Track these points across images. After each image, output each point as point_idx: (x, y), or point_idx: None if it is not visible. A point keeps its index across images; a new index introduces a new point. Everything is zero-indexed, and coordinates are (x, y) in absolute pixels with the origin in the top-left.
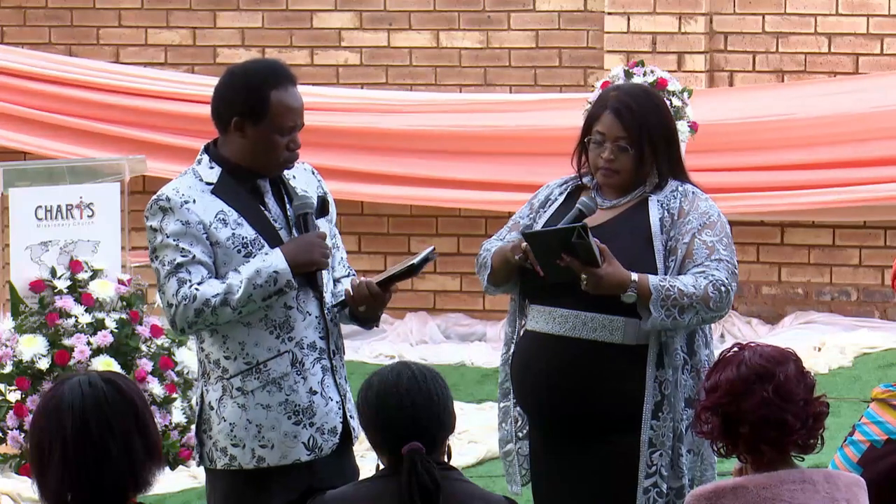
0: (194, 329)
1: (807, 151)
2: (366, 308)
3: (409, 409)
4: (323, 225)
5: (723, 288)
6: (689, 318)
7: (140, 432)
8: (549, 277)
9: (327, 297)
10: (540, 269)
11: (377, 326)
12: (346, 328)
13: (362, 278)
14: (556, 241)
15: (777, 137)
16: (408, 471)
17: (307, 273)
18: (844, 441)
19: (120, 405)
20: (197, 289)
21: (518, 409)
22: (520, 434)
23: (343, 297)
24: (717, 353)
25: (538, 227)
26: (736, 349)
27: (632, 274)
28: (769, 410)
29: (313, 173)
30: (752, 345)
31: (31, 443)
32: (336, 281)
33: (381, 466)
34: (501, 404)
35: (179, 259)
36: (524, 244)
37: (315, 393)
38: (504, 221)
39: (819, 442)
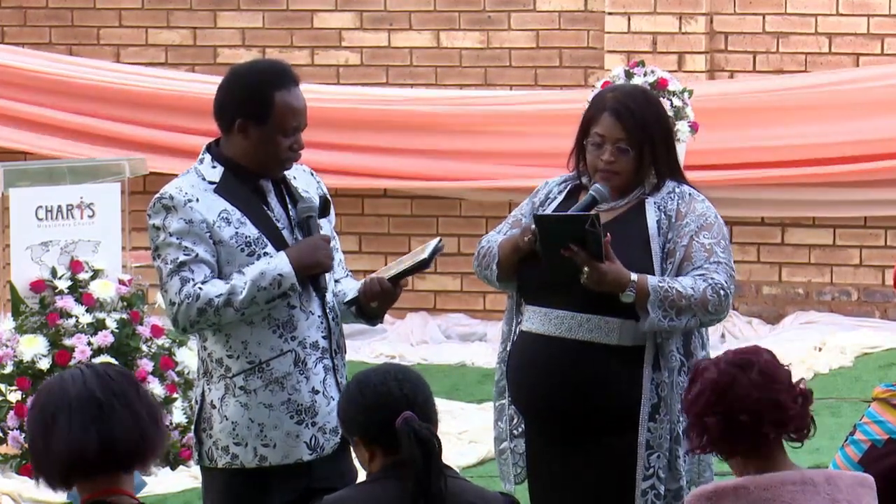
0: (196, 328)
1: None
2: (377, 304)
3: (394, 381)
4: (324, 225)
5: (721, 291)
6: (687, 320)
7: (142, 401)
8: (548, 268)
9: (328, 297)
10: (542, 257)
11: (381, 322)
12: (347, 328)
13: (373, 275)
14: (568, 227)
15: (780, 115)
16: (407, 435)
17: (311, 275)
18: (845, 441)
19: (119, 378)
20: (200, 288)
21: (513, 406)
22: (515, 432)
23: (356, 295)
24: (714, 354)
25: None
26: (704, 361)
27: (632, 274)
28: (761, 392)
29: (312, 174)
30: (720, 354)
31: (32, 423)
32: (335, 281)
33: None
34: (497, 402)
35: (182, 257)
36: (533, 227)
37: (317, 392)
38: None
39: (813, 425)
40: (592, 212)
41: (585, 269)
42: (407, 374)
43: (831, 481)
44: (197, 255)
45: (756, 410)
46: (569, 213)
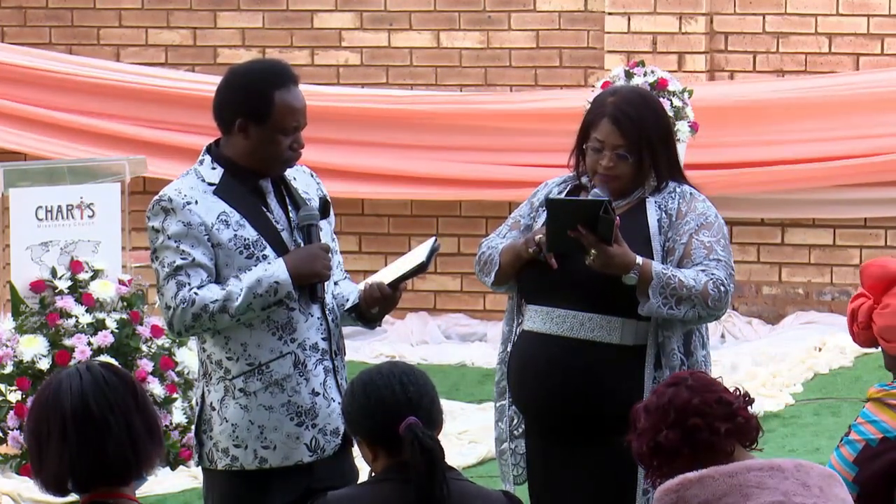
0: (191, 333)
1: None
2: (378, 309)
3: (399, 385)
4: (323, 227)
5: (722, 287)
6: (686, 310)
7: (139, 411)
8: (552, 248)
9: (328, 299)
10: (545, 238)
11: (380, 326)
12: (347, 328)
13: (372, 280)
14: (580, 212)
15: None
16: (410, 442)
17: (308, 284)
18: (840, 441)
19: (118, 385)
20: (196, 293)
21: (514, 407)
22: (515, 433)
23: (357, 302)
24: (714, 354)
25: (537, 226)
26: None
27: (637, 257)
28: (702, 394)
29: (312, 175)
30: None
31: (28, 431)
32: (335, 283)
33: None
34: (497, 403)
35: (179, 261)
36: (538, 237)
37: (317, 394)
38: (504, 221)
39: (760, 427)
40: (606, 198)
41: (592, 251)
42: (411, 376)
43: (801, 468)
44: (194, 259)
45: (703, 411)
46: (583, 199)
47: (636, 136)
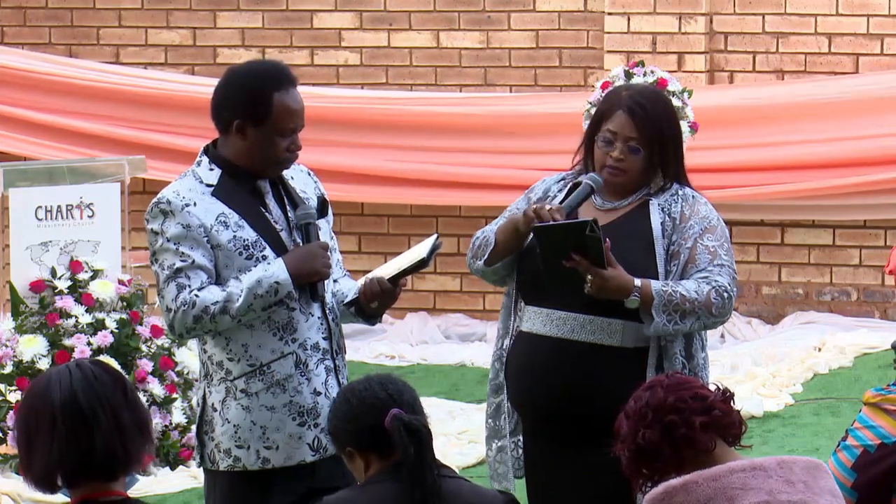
0: (192, 335)
1: (808, 132)
2: (377, 304)
3: (378, 385)
4: (322, 225)
5: (725, 294)
6: (691, 323)
7: (129, 407)
8: (551, 280)
9: (328, 298)
10: (543, 270)
11: (380, 322)
12: (347, 328)
13: (371, 274)
14: (568, 236)
15: (779, 119)
16: (397, 430)
17: (309, 283)
18: (838, 446)
19: (108, 381)
20: (196, 295)
21: (510, 404)
22: (512, 429)
23: (356, 296)
24: (714, 354)
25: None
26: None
27: (635, 279)
28: (677, 392)
29: (309, 174)
30: None
31: (17, 427)
32: (334, 281)
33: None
34: (494, 399)
35: (179, 264)
36: (536, 222)
37: (319, 394)
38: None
39: (743, 422)
40: (590, 219)
41: (589, 277)
42: (390, 378)
43: (784, 465)
44: (194, 260)
45: (679, 407)
46: (567, 221)
47: (650, 130)
